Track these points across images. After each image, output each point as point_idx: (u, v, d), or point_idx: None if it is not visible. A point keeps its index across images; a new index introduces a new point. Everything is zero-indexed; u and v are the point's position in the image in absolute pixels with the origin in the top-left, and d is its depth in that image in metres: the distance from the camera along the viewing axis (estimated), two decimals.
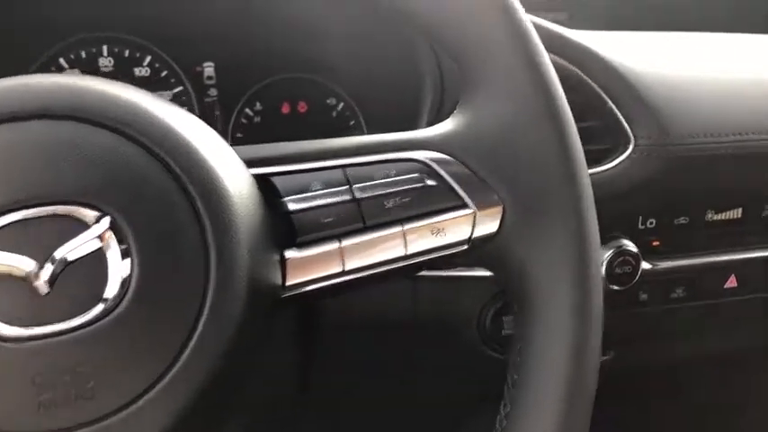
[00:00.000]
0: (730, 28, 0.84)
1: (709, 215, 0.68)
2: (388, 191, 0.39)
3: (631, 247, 0.62)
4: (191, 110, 0.72)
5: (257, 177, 0.38)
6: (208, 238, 0.32)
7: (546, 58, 0.40)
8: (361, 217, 0.38)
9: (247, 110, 0.73)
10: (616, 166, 0.60)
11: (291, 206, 0.38)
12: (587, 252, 0.39)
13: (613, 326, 0.70)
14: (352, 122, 0.75)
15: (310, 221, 0.38)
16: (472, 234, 0.39)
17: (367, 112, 0.75)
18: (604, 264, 0.62)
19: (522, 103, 0.39)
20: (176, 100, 0.72)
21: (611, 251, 0.62)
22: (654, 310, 0.68)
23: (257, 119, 0.73)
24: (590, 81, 0.60)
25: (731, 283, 0.69)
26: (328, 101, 0.75)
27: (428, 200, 0.39)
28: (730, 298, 0.69)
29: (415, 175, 0.39)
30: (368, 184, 0.39)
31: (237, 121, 0.73)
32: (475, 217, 0.39)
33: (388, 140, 0.40)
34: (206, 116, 0.72)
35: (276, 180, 0.38)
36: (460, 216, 0.39)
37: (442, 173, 0.39)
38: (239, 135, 0.73)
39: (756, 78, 0.69)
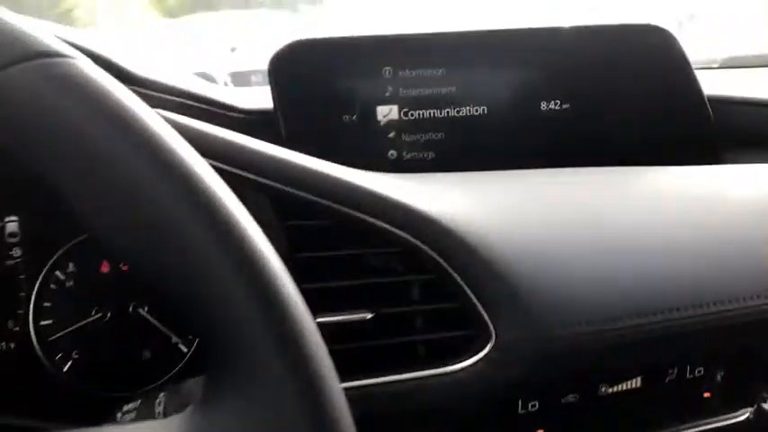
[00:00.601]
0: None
1: (603, 389, 0.57)
2: None
3: None
4: None
5: None
6: None
7: (316, 337, 0.29)
8: None
9: (58, 273, 0.61)
10: (475, 364, 0.48)
11: None
12: None
13: None
14: None
15: None
16: None
17: None
18: None
19: (272, 408, 0.28)
20: None
21: None
22: None
23: (70, 283, 0.61)
24: (431, 252, 0.49)
25: None
26: None
27: None
28: None
29: None
30: None
31: (44, 286, 0.60)
32: None
33: None
34: (7, 282, 0.60)
35: None
36: None
37: None
38: (47, 304, 0.60)
39: (656, 235, 0.56)
